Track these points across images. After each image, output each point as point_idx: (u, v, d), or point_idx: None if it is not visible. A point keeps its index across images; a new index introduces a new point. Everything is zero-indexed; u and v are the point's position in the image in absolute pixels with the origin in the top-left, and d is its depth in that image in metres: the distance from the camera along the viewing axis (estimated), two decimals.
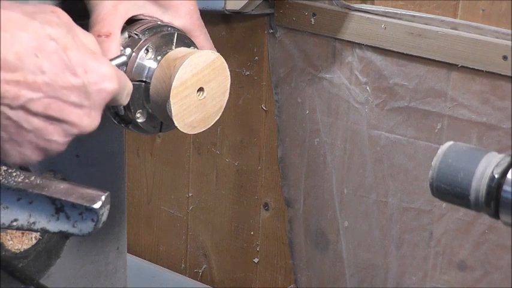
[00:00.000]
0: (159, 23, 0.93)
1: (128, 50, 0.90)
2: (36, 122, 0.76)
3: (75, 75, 0.76)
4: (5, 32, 0.72)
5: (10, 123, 0.75)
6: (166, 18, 0.94)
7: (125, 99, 0.84)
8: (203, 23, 0.97)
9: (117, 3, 0.90)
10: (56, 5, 0.94)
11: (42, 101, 0.75)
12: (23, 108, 0.74)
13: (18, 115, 0.74)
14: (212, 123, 0.94)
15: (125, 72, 0.90)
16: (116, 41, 0.89)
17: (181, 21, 0.95)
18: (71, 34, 0.77)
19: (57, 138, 0.78)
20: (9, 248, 1.00)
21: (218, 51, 0.98)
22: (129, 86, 0.84)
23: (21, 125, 0.75)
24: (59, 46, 0.75)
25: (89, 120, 0.78)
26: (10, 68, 0.72)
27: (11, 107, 0.74)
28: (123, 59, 0.89)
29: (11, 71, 0.72)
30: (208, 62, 0.90)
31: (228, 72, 0.94)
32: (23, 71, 0.73)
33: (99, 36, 0.88)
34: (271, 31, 1.79)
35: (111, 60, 0.88)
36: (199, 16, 0.97)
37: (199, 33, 0.96)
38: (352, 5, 1.67)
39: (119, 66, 0.88)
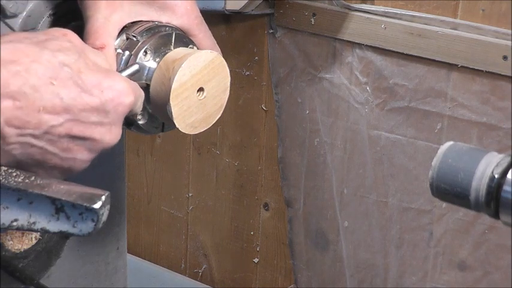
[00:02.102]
0: (156, 23, 0.93)
1: (127, 53, 0.90)
2: (61, 145, 0.77)
3: (92, 96, 0.77)
4: (19, 66, 0.74)
5: (35, 151, 0.77)
6: (164, 19, 0.94)
7: (139, 108, 0.86)
8: (203, 21, 0.97)
9: (110, 14, 0.90)
10: (56, 6, 0.95)
11: (64, 125, 0.76)
12: (47, 134, 0.76)
13: (42, 142, 0.76)
14: (213, 122, 0.94)
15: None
16: (110, 53, 0.89)
17: (179, 21, 0.95)
18: (82, 57, 0.79)
19: (81, 156, 0.80)
20: (9, 248, 0.99)
21: (220, 48, 0.98)
22: (142, 95, 0.86)
23: (47, 150, 0.77)
24: (73, 71, 0.77)
25: (110, 135, 0.80)
26: (29, 100, 0.74)
27: (35, 136, 0.75)
28: (136, 67, 0.89)
29: (30, 102, 0.74)
30: (207, 61, 0.90)
31: (228, 70, 0.94)
32: (42, 100, 0.74)
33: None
34: (271, 31, 1.79)
35: (123, 71, 0.88)
36: (198, 14, 0.96)
37: (198, 32, 0.96)
38: (352, 5, 1.67)
39: (132, 75, 0.89)
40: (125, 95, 0.80)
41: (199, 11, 0.97)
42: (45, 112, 0.75)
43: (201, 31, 0.97)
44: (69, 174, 0.81)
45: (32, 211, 0.76)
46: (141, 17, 0.93)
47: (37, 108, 0.74)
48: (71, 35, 0.81)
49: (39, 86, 0.74)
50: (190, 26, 0.96)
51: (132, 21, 0.92)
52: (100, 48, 0.88)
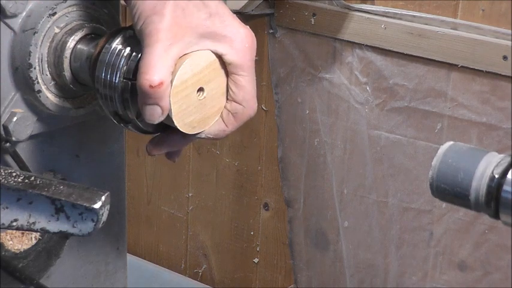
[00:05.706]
0: None
1: (128, 49, 0.90)
2: None
3: None
4: None
5: None
6: (220, 50, 0.89)
7: None
8: (254, 65, 0.91)
9: (170, 46, 0.85)
10: (57, 6, 0.94)
11: None
12: None
13: None
14: (211, 124, 0.94)
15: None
16: (168, 91, 0.85)
17: (234, 57, 0.89)
18: None
19: None
20: (9, 248, 1.00)
21: None
22: None
23: None
24: None
25: None
26: None
27: None
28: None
29: None
30: (209, 62, 0.90)
31: None
32: None
33: (151, 87, 0.84)
34: (271, 31, 1.79)
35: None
36: (253, 58, 0.90)
37: (247, 73, 0.91)
38: (352, 5, 1.67)
39: None
40: None
41: (255, 49, 0.91)
42: None
43: (249, 74, 0.91)
44: None
45: (32, 211, 0.76)
46: (196, 46, 0.88)
47: None
48: None
49: None
50: (243, 64, 0.90)
51: (189, 52, 0.88)
52: (158, 85, 0.84)
